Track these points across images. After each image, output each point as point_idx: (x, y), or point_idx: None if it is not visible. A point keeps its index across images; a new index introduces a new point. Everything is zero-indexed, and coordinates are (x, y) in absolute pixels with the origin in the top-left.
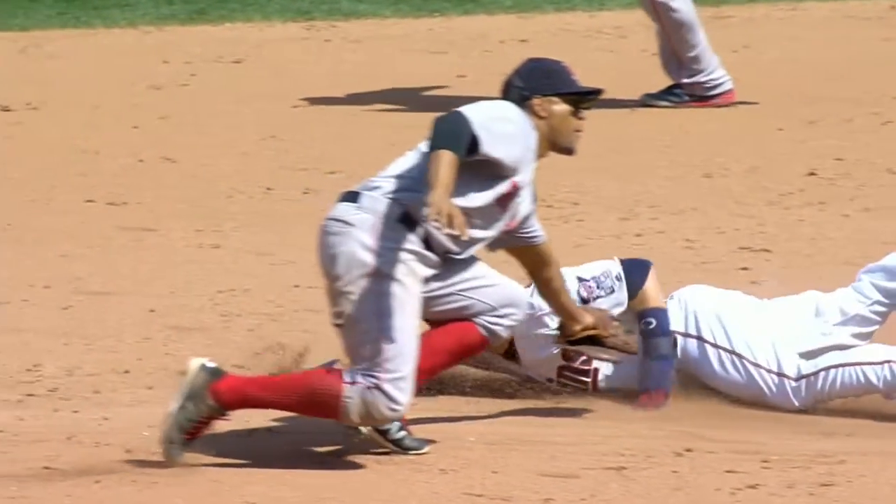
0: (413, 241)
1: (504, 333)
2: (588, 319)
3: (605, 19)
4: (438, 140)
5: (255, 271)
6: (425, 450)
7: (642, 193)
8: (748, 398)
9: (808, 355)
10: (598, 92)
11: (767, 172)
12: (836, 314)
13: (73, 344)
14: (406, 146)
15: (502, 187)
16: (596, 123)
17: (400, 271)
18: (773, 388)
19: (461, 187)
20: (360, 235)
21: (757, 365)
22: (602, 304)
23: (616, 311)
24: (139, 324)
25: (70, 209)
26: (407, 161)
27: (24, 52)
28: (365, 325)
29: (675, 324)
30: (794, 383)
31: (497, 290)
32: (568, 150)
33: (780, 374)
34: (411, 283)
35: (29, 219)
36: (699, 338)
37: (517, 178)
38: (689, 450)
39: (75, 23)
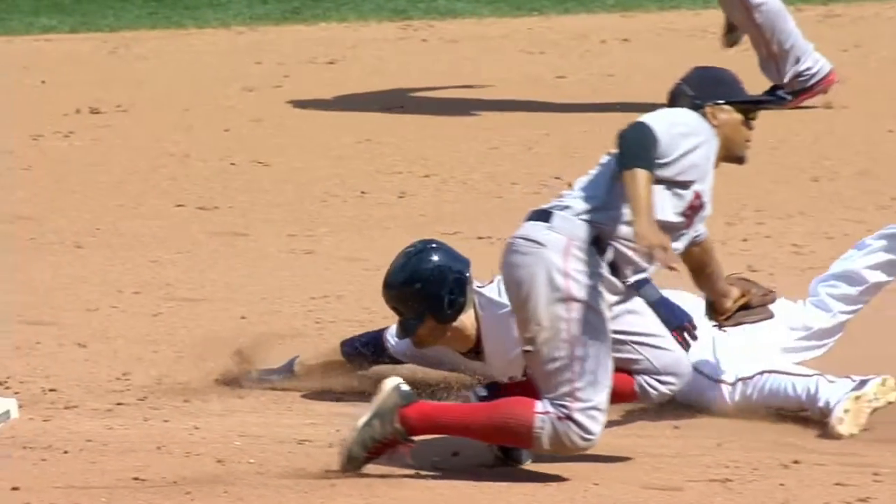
0: (603, 266)
1: (655, 398)
2: (736, 292)
3: (710, 18)
4: (629, 157)
5: (349, 277)
6: (528, 461)
7: (748, 197)
8: (688, 402)
9: (755, 360)
10: (771, 101)
11: (878, 175)
12: (801, 330)
13: (162, 352)
14: (506, 149)
15: (688, 198)
16: None
17: (592, 296)
18: (708, 392)
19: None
20: (552, 257)
21: (696, 369)
22: None
23: None
24: (230, 331)
25: (160, 214)
26: (595, 178)
27: (114, 53)
28: (557, 353)
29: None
30: (730, 387)
31: (666, 355)
32: (739, 160)
33: (718, 381)
34: (603, 308)
35: (118, 223)
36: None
37: (700, 188)
38: (796, 462)
39: (166, 23)
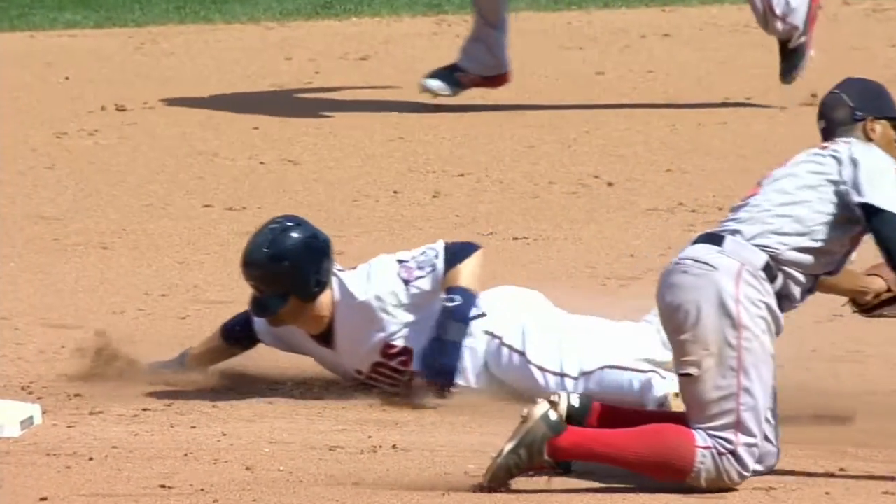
0: (771, 295)
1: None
2: (878, 285)
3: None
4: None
5: None
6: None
7: None
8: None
9: (599, 354)
10: None
11: None
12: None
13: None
14: (543, 147)
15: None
16: (743, 122)
17: (760, 326)
18: (553, 386)
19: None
20: (722, 281)
21: (541, 368)
22: (423, 284)
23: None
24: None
25: (187, 214)
26: (763, 201)
27: (140, 48)
28: (723, 381)
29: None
30: (573, 381)
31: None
32: None
33: (562, 375)
34: (769, 340)
35: (144, 224)
36: (497, 336)
37: None
38: (842, 469)
39: (194, 18)
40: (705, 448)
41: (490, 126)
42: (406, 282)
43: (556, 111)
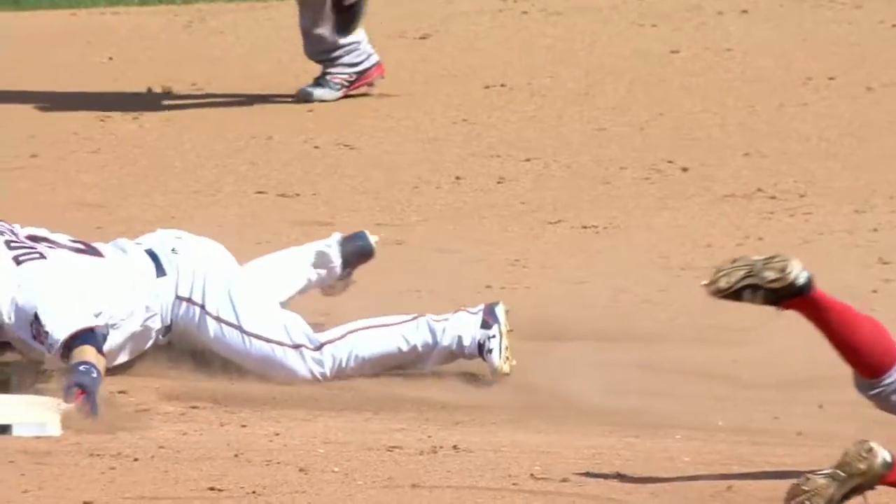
0: None
1: None
2: None
3: None
4: None
5: (442, 270)
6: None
7: (879, 183)
8: (266, 372)
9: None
10: None
11: None
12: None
13: None
14: (614, 131)
15: None
16: (826, 103)
17: None
18: (290, 360)
19: None
20: None
21: (268, 340)
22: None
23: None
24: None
25: (238, 201)
26: None
27: (188, 27)
28: None
29: (182, 287)
30: (314, 353)
31: None
32: None
33: (296, 346)
34: None
35: (193, 211)
36: (202, 307)
37: None
38: None
39: None
40: None
41: (557, 108)
42: (33, 334)
43: (628, 92)
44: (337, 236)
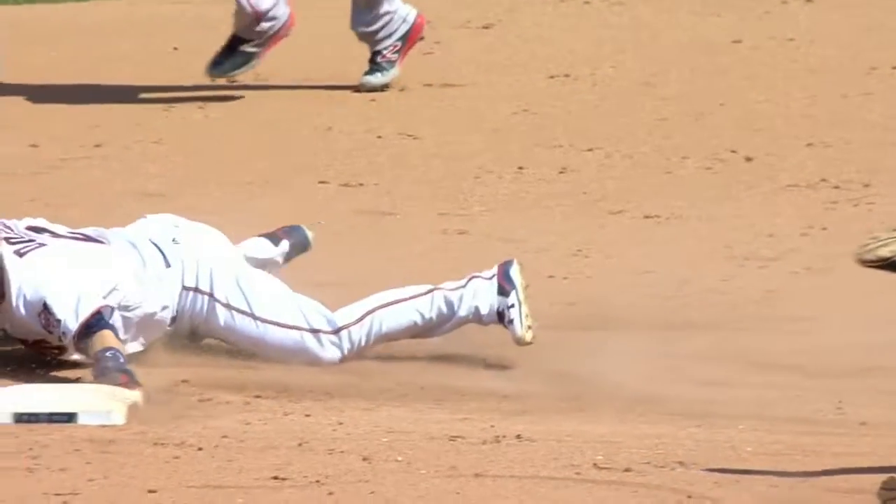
0: None
1: None
2: None
3: None
4: None
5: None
6: None
7: None
8: (283, 358)
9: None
10: None
11: None
12: None
13: None
14: (676, 119)
15: None
16: (891, 92)
17: None
18: (308, 345)
19: None
20: None
21: (284, 326)
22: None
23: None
24: None
25: (301, 191)
26: None
27: None
28: None
29: (188, 277)
30: (332, 337)
31: None
32: None
33: (314, 331)
34: None
35: (255, 201)
36: (211, 296)
37: None
38: None
39: None
40: None
41: (620, 97)
42: (43, 324)
43: (690, 82)
44: (286, 247)
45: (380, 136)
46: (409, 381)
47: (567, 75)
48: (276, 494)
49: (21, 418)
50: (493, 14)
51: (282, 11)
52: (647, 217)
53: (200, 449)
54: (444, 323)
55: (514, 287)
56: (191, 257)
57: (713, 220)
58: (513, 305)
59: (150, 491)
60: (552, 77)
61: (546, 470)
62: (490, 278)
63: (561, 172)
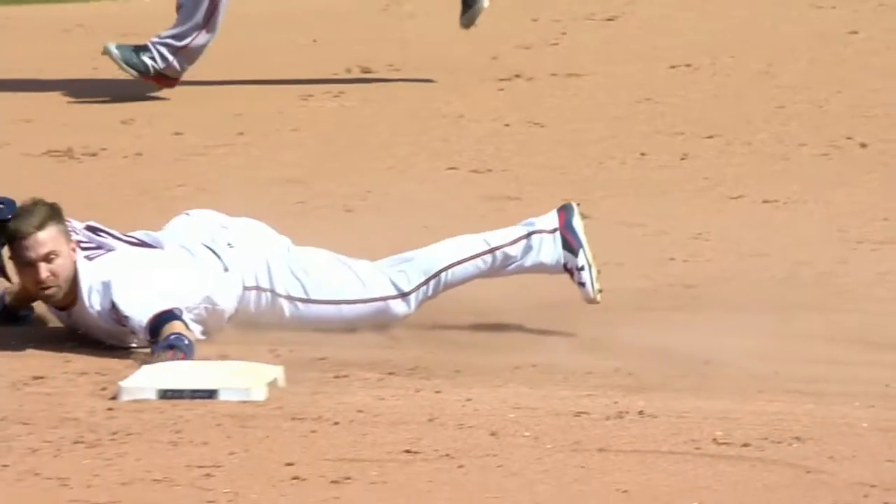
0: None
1: None
2: None
3: None
4: None
5: (627, 243)
6: None
7: None
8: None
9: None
10: None
11: None
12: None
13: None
14: (793, 107)
15: None
16: None
17: None
18: (378, 315)
19: None
20: None
21: (349, 302)
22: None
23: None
24: (500, 299)
25: (431, 177)
26: None
27: (386, 10)
28: None
29: (248, 278)
30: (399, 301)
31: None
32: None
33: (382, 299)
34: None
35: (388, 187)
36: (273, 291)
37: None
38: None
39: None
40: None
41: (739, 86)
42: (114, 320)
43: (808, 71)
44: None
45: (507, 125)
46: (537, 361)
47: (688, 65)
48: (408, 468)
49: (165, 395)
50: (617, 6)
51: None
52: (765, 202)
53: (336, 423)
54: (506, 271)
55: (580, 244)
56: (248, 259)
57: (828, 204)
58: (583, 268)
59: (288, 464)
60: (673, 67)
61: (667, 445)
62: (553, 231)
63: (682, 159)
